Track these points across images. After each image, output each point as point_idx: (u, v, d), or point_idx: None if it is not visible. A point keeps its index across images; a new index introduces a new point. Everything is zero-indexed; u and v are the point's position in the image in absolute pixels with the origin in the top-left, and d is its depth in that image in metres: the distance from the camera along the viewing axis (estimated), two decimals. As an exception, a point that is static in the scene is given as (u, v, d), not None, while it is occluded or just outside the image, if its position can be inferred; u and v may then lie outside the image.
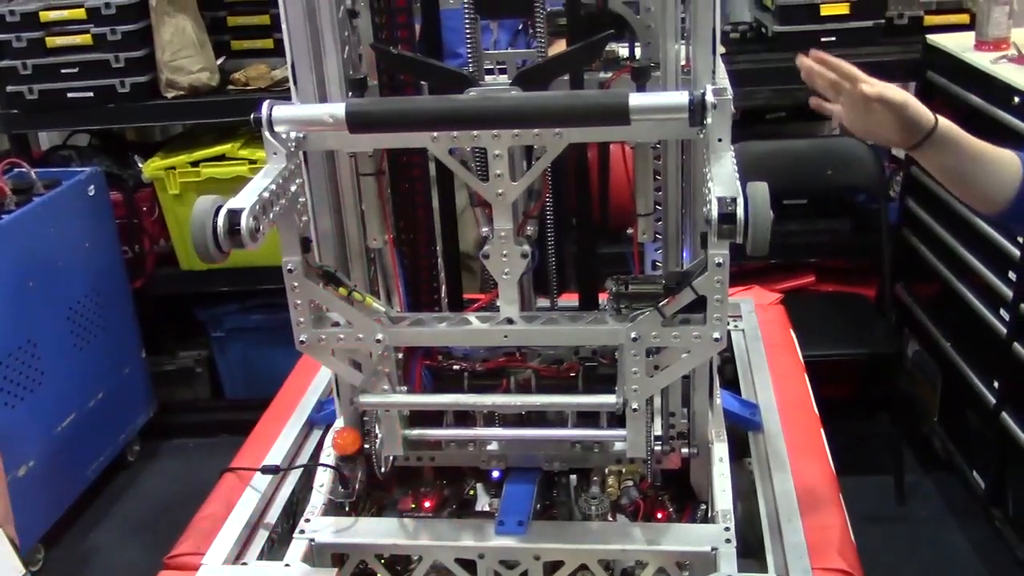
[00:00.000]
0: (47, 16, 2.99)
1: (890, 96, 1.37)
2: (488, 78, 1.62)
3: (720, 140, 1.31)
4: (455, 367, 1.63)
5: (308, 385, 1.93)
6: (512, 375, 1.62)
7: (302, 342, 1.49)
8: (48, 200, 2.78)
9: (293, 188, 1.41)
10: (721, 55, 1.41)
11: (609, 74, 1.54)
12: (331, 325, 1.50)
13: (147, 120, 2.99)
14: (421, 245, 1.63)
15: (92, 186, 2.97)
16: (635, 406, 1.45)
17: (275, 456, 1.71)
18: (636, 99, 1.26)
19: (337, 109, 1.33)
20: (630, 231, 1.52)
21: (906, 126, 1.39)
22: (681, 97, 1.26)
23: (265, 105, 1.35)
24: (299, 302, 1.46)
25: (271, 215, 1.32)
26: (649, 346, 1.41)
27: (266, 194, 1.31)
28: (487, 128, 1.30)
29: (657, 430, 1.58)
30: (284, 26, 1.45)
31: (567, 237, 1.64)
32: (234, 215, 1.24)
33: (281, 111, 1.35)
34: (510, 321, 1.46)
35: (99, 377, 3.03)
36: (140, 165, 3.15)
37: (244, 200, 1.26)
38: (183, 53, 3.01)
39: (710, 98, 1.24)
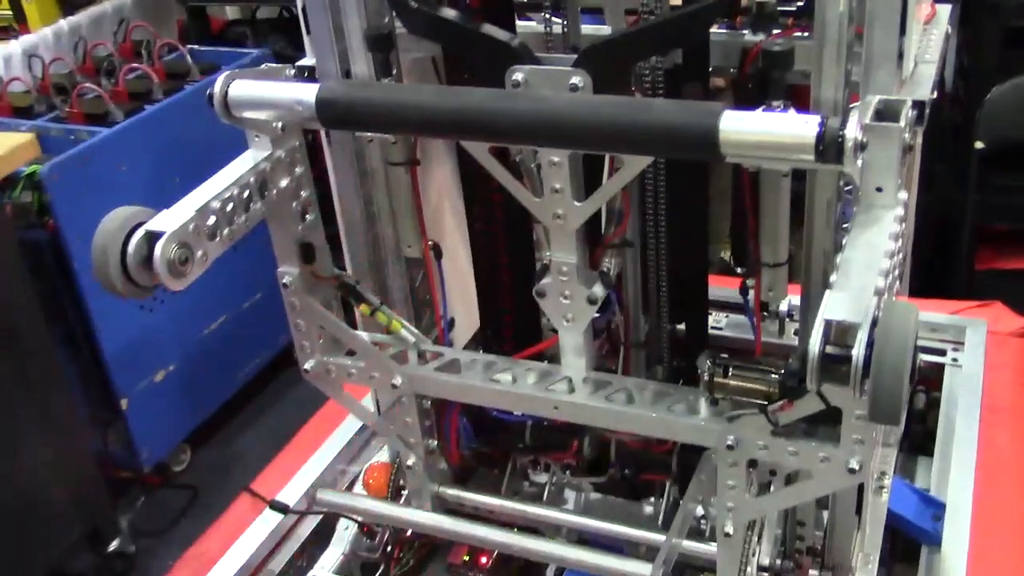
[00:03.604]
0: None
1: None
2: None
3: (880, 190, 0.80)
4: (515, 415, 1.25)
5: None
6: (587, 436, 1.21)
7: (306, 371, 1.16)
8: (201, 88, 2.54)
9: (284, 182, 1.04)
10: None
11: (758, 36, 1.03)
12: (346, 353, 1.15)
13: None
14: (499, 253, 1.23)
15: (257, 70, 2.71)
16: (728, 530, 1.02)
17: (301, 482, 1.40)
18: (731, 124, 0.77)
19: (307, 93, 0.93)
20: (751, 284, 1.02)
21: None
22: (804, 126, 0.75)
23: (220, 79, 0.97)
24: (300, 322, 1.12)
25: (225, 232, 0.96)
26: (753, 457, 0.97)
27: (216, 203, 0.95)
28: (500, 141, 0.86)
29: (767, 555, 1.12)
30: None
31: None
32: (152, 239, 0.90)
33: (241, 89, 0.97)
34: (570, 384, 1.05)
35: (256, 277, 2.84)
36: (314, 46, 2.85)
37: (171, 219, 0.91)
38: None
39: (853, 133, 0.73)
